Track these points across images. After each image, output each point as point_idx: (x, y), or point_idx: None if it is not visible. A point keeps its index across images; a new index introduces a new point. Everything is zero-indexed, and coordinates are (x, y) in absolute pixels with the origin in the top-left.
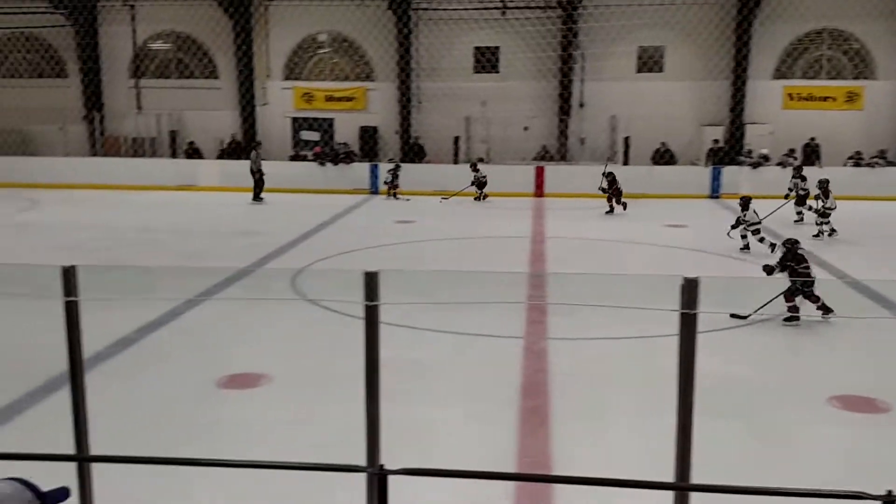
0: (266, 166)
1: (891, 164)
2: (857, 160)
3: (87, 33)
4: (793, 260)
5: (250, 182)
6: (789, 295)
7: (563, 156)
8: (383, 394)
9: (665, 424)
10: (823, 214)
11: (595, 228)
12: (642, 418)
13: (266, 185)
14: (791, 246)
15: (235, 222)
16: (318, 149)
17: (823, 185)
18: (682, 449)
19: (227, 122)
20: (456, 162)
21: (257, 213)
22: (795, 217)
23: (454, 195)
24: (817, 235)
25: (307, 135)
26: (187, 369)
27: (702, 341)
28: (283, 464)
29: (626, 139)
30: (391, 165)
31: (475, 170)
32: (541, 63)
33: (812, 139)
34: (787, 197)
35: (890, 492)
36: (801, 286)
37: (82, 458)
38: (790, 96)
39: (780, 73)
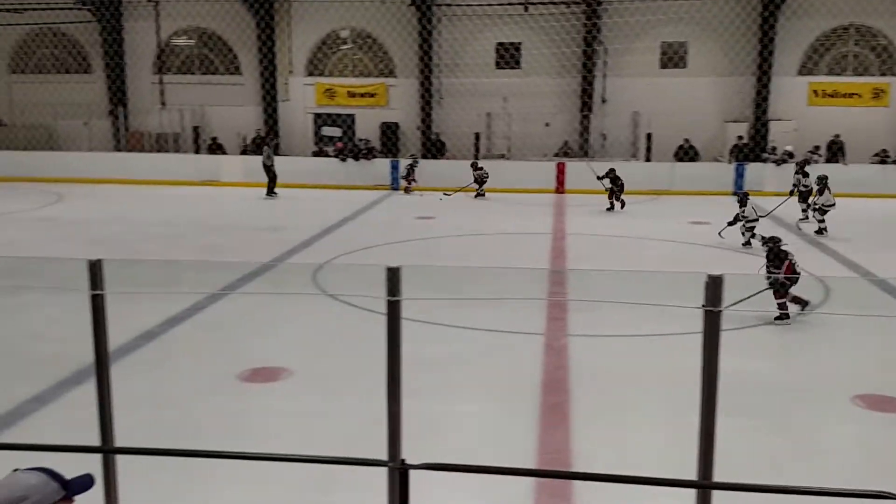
0: (288, 162)
1: None
2: (882, 158)
3: (112, 29)
4: (775, 258)
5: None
6: (783, 293)
7: (584, 152)
8: (403, 389)
9: (686, 422)
10: (822, 211)
11: (617, 225)
12: (663, 416)
13: (288, 181)
14: (773, 245)
15: (257, 217)
16: (339, 144)
17: (822, 182)
18: (706, 447)
19: (250, 117)
20: (477, 158)
21: (279, 209)
22: (801, 215)
23: (457, 191)
24: (819, 232)
25: (329, 130)
26: (210, 362)
27: (724, 339)
28: (305, 457)
29: (649, 135)
30: (410, 161)
31: (476, 168)
32: (563, 59)
33: (836, 136)
34: (791, 194)
35: None
36: (785, 283)
37: (107, 450)
38: (815, 93)
39: (805, 70)
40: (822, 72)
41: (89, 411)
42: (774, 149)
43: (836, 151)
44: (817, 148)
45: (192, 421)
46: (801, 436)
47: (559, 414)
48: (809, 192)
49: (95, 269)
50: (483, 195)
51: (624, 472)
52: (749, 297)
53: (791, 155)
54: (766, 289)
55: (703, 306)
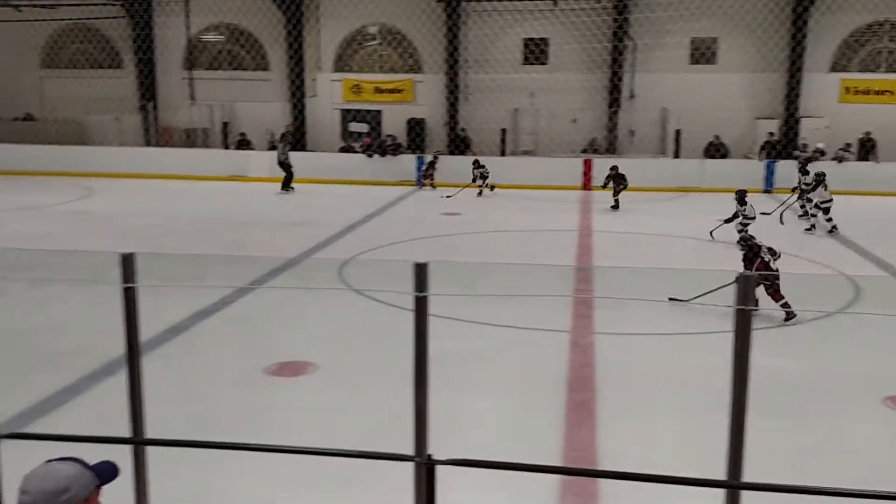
0: (315, 158)
1: None
2: None
3: (143, 25)
4: (754, 257)
5: (303, 174)
6: (779, 293)
7: (611, 148)
8: (429, 385)
9: (712, 421)
10: (824, 209)
11: (644, 222)
12: (690, 414)
13: (315, 177)
14: (746, 243)
15: (284, 213)
16: (366, 140)
17: (819, 179)
18: (735, 446)
19: (278, 113)
20: (503, 154)
21: (305, 204)
22: (800, 212)
23: (462, 188)
24: (831, 231)
25: (355, 126)
26: (237, 356)
27: (753, 337)
28: (331, 451)
29: (678, 132)
30: (435, 156)
31: (477, 166)
32: (591, 54)
33: (868, 134)
34: (793, 191)
35: None
36: (763, 280)
37: (138, 441)
38: (847, 89)
39: (837, 66)
40: (854, 68)
41: (118, 403)
42: (805, 146)
43: (868, 149)
44: (849, 145)
45: (218, 414)
46: (829, 436)
47: (585, 411)
48: (809, 190)
49: (128, 263)
50: (488, 189)
51: (651, 471)
52: (712, 291)
53: (822, 153)
54: (729, 283)
55: (735, 305)
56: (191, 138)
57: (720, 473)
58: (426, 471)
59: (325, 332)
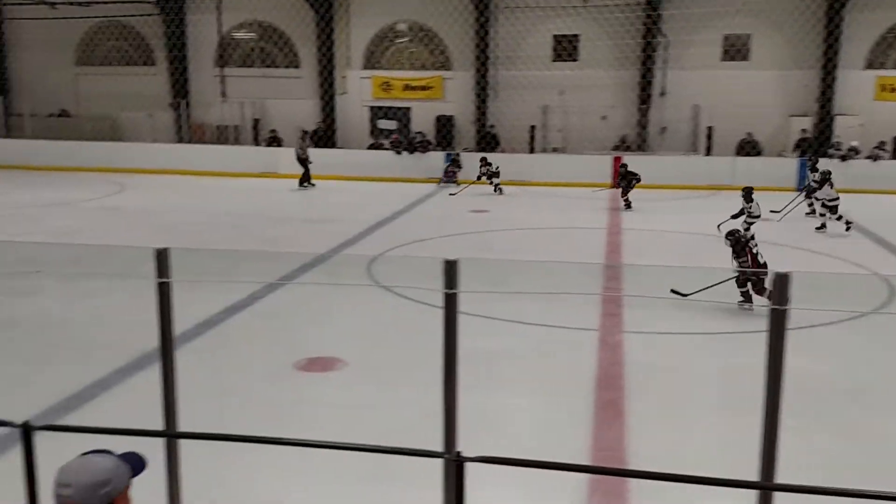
0: (344, 155)
1: None
2: None
3: (175, 22)
4: (741, 251)
5: (332, 171)
6: (741, 282)
7: (642, 146)
8: (458, 382)
9: (743, 421)
10: (831, 209)
11: (674, 221)
12: (721, 415)
13: (343, 174)
14: (734, 238)
15: (314, 209)
16: (395, 137)
17: (825, 177)
18: (768, 447)
19: (308, 110)
20: (532, 151)
21: (334, 201)
22: (807, 210)
23: (467, 185)
24: (847, 229)
25: (384, 123)
26: (267, 351)
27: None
28: (361, 446)
29: (709, 129)
30: (457, 153)
31: (485, 163)
32: (622, 51)
33: None
34: (801, 189)
35: None
36: (750, 276)
37: (171, 434)
38: (882, 87)
39: (872, 63)
40: (890, 66)
41: (146, 397)
42: (839, 144)
43: None
44: (883, 143)
45: (249, 408)
46: (863, 439)
47: (614, 410)
48: (816, 189)
49: (162, 258)
50: (495, 190)
51: (681, 472)
52: (713, 286)
53: (857, 151)
54: (730, 278)
55: (770, 304)
56: (222, 135)
57: (750, 475)
58: (455, 468)
59: (354, 329)
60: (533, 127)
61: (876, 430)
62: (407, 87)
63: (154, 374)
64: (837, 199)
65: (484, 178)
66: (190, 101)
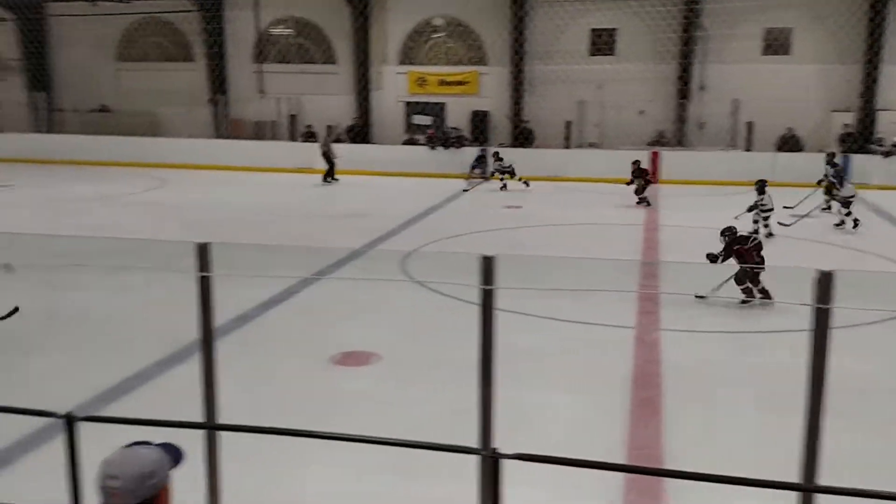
0: (379, 150)
1: None
2: None
3: (214, 19)
4: (733, 244)
5: (367, 166)
6: (739, 280)
7: (681, 141)
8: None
9: (781, 422)
10: (845, 203)
11: (712, 217)
12: (760, 414)
13: (378, 169)
14: (730, 235)
15: (348, 204)
16: (430, 132)
17: (839, 173)
18: (810, 449)
19: (344, 106)
20: (567, 146)
21: (369, 196)
22: (823, 205)
23: (480, 181)
24: (855, 226)
25: (419, 119)
26: (303, 346)
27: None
28: (398, 441)
29: (749, 124)
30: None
31: (497, 158)
32: (660, 44)
33: None
34: (819, 184)
35: None
36: (749, 271)
37: (211, 426)
38: None
39: None
40: None
41: (190, 388)
42: (882, 140)
43: None
44: None
45: (288, 401)
46: None
47: (650, 409)
48: (835, 185)
49: (203, 252)
50: (503, 186)
51: (718, 472)
52: (723, 283)
53: None
54: (729, 278)
55: (814, 304)
56: (260, 131)
57: (788, 475)
58: (491, 464)
59: (388, 323)
60: (569, 122)
61: None
62: (442, 83)
63: (193, 367)
64: (854, 195)
65: (497, 174)
66: (228, 97)
